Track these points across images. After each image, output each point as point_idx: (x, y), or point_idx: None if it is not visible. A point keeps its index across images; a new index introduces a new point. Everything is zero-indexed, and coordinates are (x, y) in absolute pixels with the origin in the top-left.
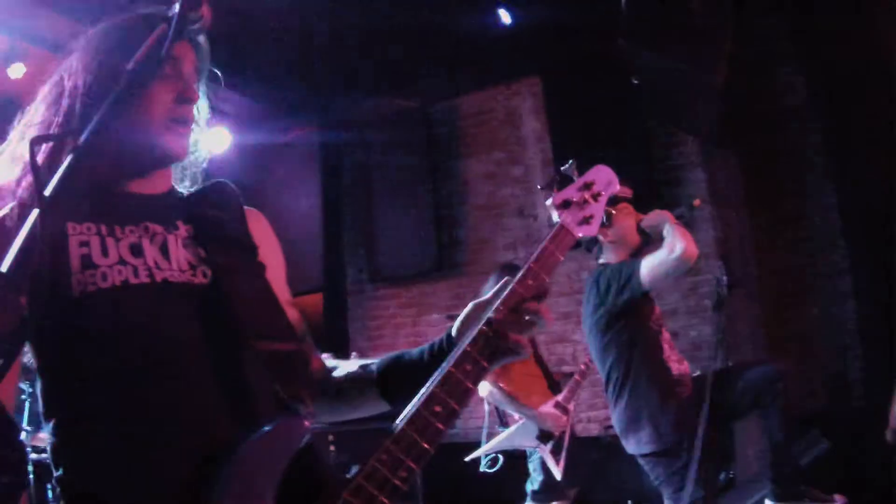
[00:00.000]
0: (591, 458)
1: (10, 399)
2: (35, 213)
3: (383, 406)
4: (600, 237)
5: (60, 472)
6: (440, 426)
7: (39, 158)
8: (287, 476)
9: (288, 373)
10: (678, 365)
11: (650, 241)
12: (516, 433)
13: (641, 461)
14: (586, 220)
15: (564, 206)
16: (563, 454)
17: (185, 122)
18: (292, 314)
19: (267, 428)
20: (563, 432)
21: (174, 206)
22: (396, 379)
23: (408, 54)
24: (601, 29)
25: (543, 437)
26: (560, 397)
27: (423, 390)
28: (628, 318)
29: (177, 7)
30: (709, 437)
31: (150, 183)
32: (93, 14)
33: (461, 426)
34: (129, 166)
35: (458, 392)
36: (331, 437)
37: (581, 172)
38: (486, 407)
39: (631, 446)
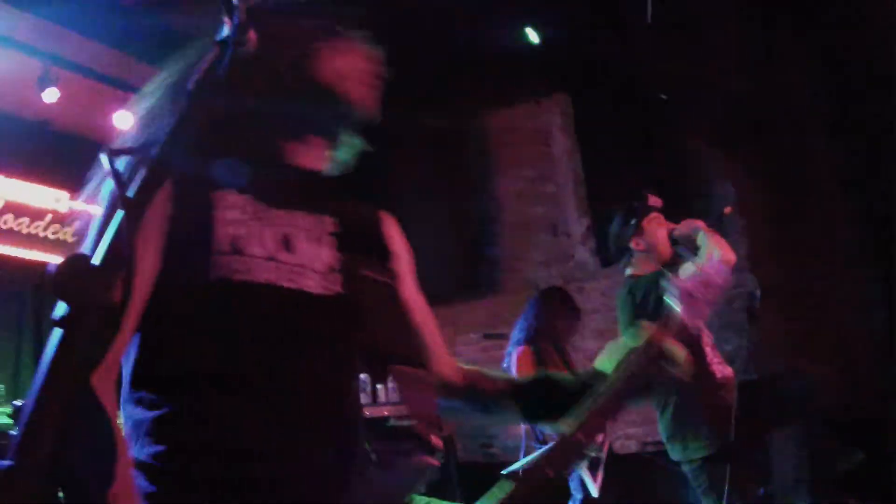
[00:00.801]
0: (629, 475)
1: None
2: (120, 214)
3: (520, 421)
4: (632, 246)
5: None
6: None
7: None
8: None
9: (415, 399)
10: (721, 368)
11: (679, 252)
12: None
13: (686, 468)
14: (698, 314)
15: (689, 298)
16: (600, 471)
17: (370, 83)
18: (431, 337)
19: (401, 458)
20: (602, 449)
21: (323, 190)
22: (540, 402)
23: (437, 72)
24: (629, 45)
25: None
26: None
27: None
28: None
29: (226, 31)
30: (744, 447)
31: (310, 153)
32: (123, 38)
33: (499, 444)
34: (299, 123)
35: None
36: None
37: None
38: (523, 423)
39: (676, 453)
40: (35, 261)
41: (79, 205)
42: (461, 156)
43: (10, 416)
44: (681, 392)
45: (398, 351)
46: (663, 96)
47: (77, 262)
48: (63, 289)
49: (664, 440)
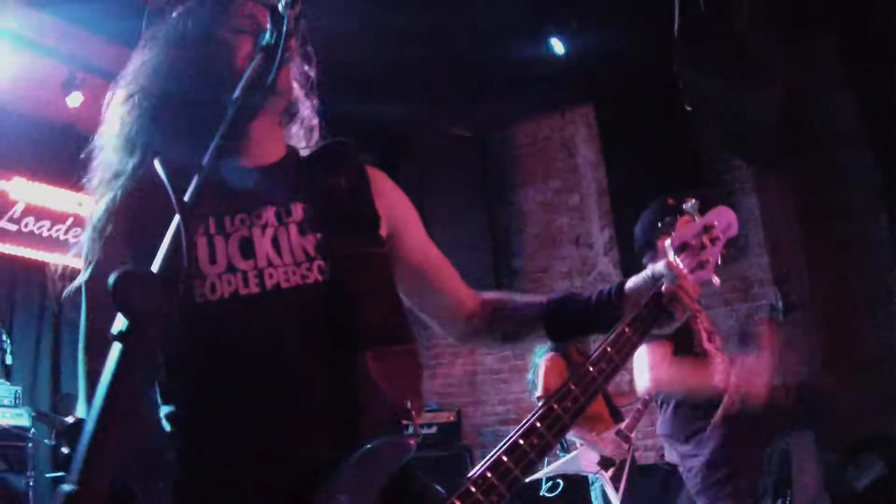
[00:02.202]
0: (650, 486)
1: None
2: (177, 219)
3: (545, 341)
4: (658, 244)
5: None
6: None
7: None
8: (385, 494)
9: (398, 381)
10: (724, 377)
11: None
12: (577, 458)
13: (681, 469)
14: (701, 266)
15: (682, 249)
16: (623, 482)
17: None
18: (441, 272)
19: (369, 446)
20: (624, 460)
21: (289, 178)
22: (563, 320)
23: (462, 83)
24: (654, 56)
25: (604, 463)
26: (623, 425)
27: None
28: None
29: (268, 35)
30: (744, 453)
31: (264, 147)
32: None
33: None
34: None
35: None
36: None
37: (703, 212)
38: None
39: (672, 454)
40: (56, 264)
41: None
42: (487, 167)
43: (31, 417)
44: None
45: (377, 329)
46: (688, 108)
47: (137, 274)
48: (125, 301)
49: (662, 439)
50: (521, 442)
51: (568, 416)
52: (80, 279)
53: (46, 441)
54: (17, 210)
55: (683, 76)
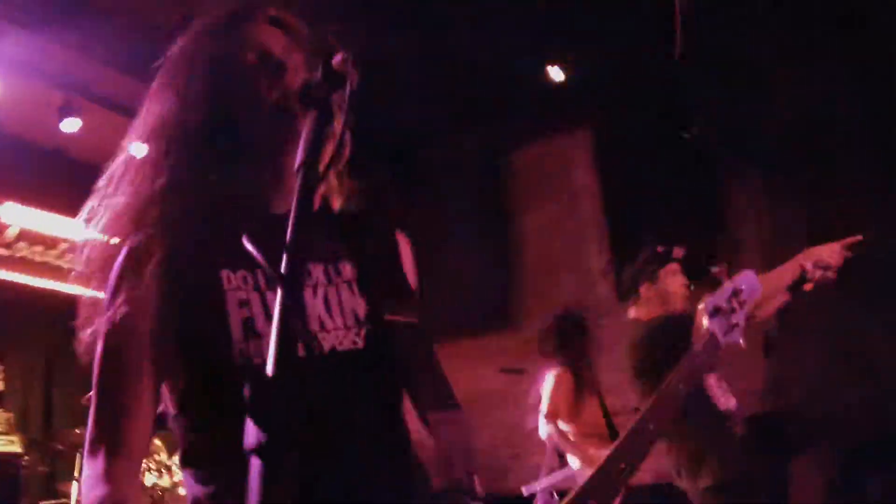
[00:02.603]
0: None
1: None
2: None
3: None
4: (641, 291)
5: None
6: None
7: None
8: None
9: (455, 446)
10: (725, 400)
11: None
12: (574, 474)
13: (694, 498)
14: (731, 328)
15: (714, 313)
16: (620, 498)
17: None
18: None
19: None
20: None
21: (332, 232)
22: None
23: (459, 108)
24: (652, 82)
25: None
26: None
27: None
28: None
29: (318, 89)
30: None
31: (292, 195)
32: (146, 70)
33: (519, 464)
34: (262, 163)
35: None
36: None
37: (730, 275)
38: (548, 443)
39: (685, 482)
40: (48, 289)
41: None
42: (485, 191)
43: (24, 444)
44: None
45: (431, 393)
46: (687, 134)
47: (271, 383)
48: (265, 416)
49: (673, 470)
50: None
51: None
52: (99, 325)
53: (40, 468)
54: (11, 234)
55: (685, 94)
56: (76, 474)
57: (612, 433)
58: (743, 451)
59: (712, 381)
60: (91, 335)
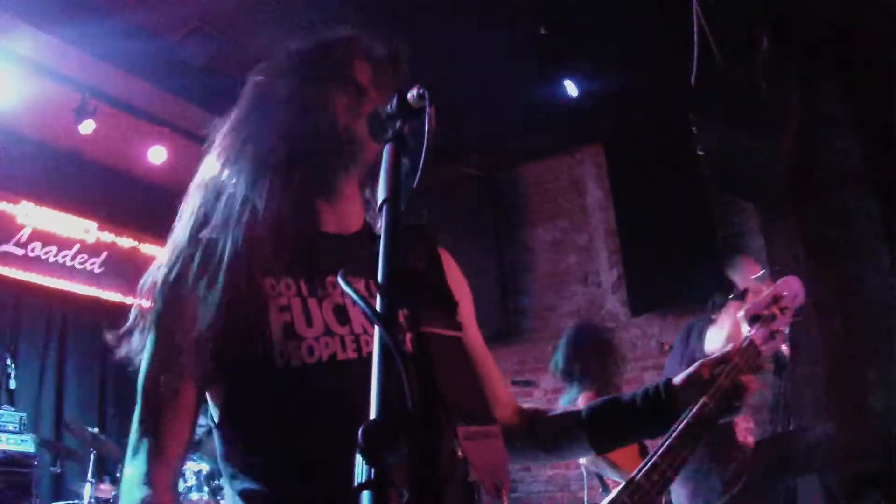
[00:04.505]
0: None
1: None
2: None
3: (589, 452)
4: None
5: None
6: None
7: None
8: None
9: (489, 459)
10: (745, 434)
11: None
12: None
13: None
14: (772, 336)
15: (755, 319)
16: None
17: None
18: (494, 376)
19: None
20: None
21: (371, 250)
22: (607, 426)
23: (472, 121)
24: (663, 98)
25: None
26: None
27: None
28: None
29: (393, 122)
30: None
31: (343, 217)
32: (162, 74)
33: (523, 489)
34: (326, 179)
35: (677, 461)
36: None
37: (775, 280)
38: (584, 472)
39: (682, 498)
40: (61, 290)
41: (106, 236)
42: (496, 205)
43: (36, 444)
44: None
45: (465, 407)
46: (699, 151)
47: (384, 424)
48: (374, 454)
49: (677, 485)
50: None
51: None
52: (148, 342)
53: (51, 468)
54: (25, 234)
55: (696, 121)
56: (89, 475)
57: (643, 452)
58: (744, 482)
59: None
60: (138, 341)
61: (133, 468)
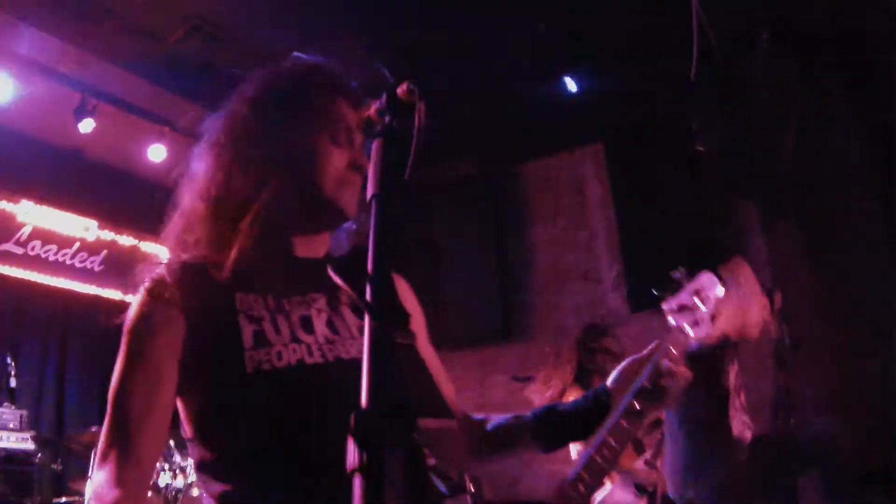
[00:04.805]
0: None
1: None
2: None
3: (536, 451)
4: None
5: None
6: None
7: None
8: None
9: (442, 449)
10: (742, 427)
11: None
12: (617, 488)
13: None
14: (695, 324)
15: (680, 311)
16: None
17: (355, 185)
18: (446, 386)
19: None
20: (656, 488)
21: (340, 267)
22: (553, 425)
23: (472, 119)
24: (664, 96)
25: (639, 489)
26: (647, 455)
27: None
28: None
29: (383, 118)
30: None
31: (313, 245)
32: (162, 73)
33: (525, 483)
34: (301, 225)
35: (623, 438)
36: None
37: (691, 278)
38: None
39: (673, 488)
40: (61, 288)
41: (107, 235)
42: (497, 203)
43: (37, 441)
44: (689, 432)
45: (426, 403)
46: (700, 148)
47: (374, 413)
48: (365, 439)
49: (665, 472)
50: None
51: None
52: (121, 351)
53: (52, 466)
54: (25, 233)
55: (696, 118)
56: (90, 473)
57: (637, 446)
58: (741, 475)
59: (737, 405)
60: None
61: (103, 473)
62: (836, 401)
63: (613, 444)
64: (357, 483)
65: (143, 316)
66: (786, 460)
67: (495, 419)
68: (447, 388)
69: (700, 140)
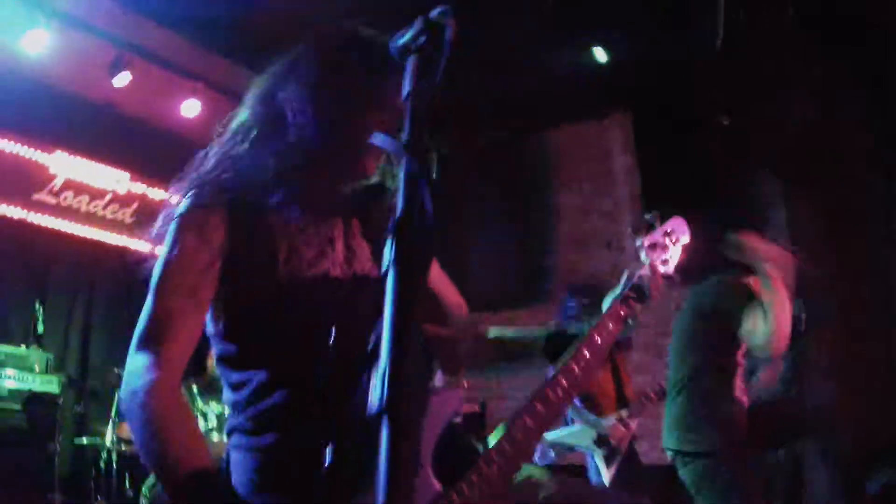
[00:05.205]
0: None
1: None
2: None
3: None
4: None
5: (241, 419)
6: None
7: None
8: (441, 443)
9: (446, 353)
10: (741, 390)
11: None
12: (575, 432)
13: (678, 462)
14: (664, 262)
15: (652, 248)
16: (615, 465)
17: (379, 154)
18: (456, 299)
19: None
20: (620, 444)
21: (352, 203)
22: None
23: (501, 86)
24: (691, 68)
25: (600, 441)
26: (624, 413)
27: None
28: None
29: (416, 39)
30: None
31: (338, 182)
32: (198, 28)
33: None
34: (333, 171)
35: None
36: None
37: (663, 221)
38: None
39: (671, 441)
40: (92, 239)
41: (138, 187)
42: (524, 168)
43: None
44: (696, 388)
45: (434, 320)
46: (724, 121)
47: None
48: (391, 384)
49: (665, 425)
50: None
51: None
52: (168, 242)
53: (75, 408)
54: (57, 184)
55: (722, 88)
56: (112, 414)
57: (620, 398)
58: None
59: (738, 372)
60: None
61: (140, 357)
62: (843, 376)
63: (588, 355)
64: (385, 424)
65: (189, 221)
66: (785, 429)
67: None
68: (451, 295)
69: (724, 110)
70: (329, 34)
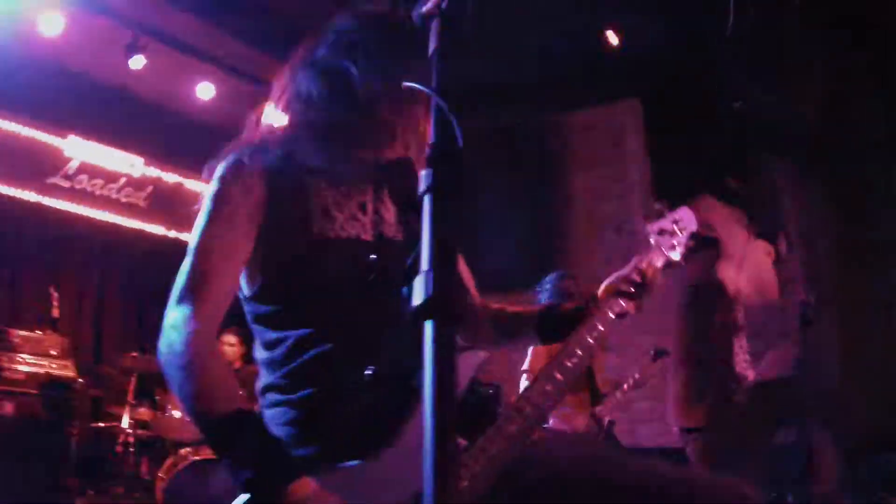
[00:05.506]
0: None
1: None
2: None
3: (536, 342)
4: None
5: (276, 376)
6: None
7: None
8: (463, 400)
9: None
10: (743, 366)
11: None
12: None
13: (683, 438)
14: (672, 247)
15: (660, 233)
16: None
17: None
18: (465, 273)
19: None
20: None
21: (382, 172)
22: (552, 320)
23: (515, 69)
24: (703, 53)
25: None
26: (597, 409)
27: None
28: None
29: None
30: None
31: (370, 150)
32: (214, 12)
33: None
34: (374, 141)
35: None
36: None
37: (672, 209)
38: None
39: (672, 415)
40: (106, 221)
41: (152, 171)
42: (536, 151)
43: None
44: (696, 363)
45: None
46: (736, 105)
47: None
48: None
49: (670, 400)
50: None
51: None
52: (209, 203)
53: (91, 391)
54: (72, 167)
55: (731, 74)
56: (129, 398)
57: (594, 393)
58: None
59: (743, 344)
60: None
61: (180, 310)
62: (850, 355)
63: (589, 339)
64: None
65: (229, 182)
66: (786, 408)
67: (508, 310)
68: (467, 282)
69: (736, 97)
70: (373, 12)
